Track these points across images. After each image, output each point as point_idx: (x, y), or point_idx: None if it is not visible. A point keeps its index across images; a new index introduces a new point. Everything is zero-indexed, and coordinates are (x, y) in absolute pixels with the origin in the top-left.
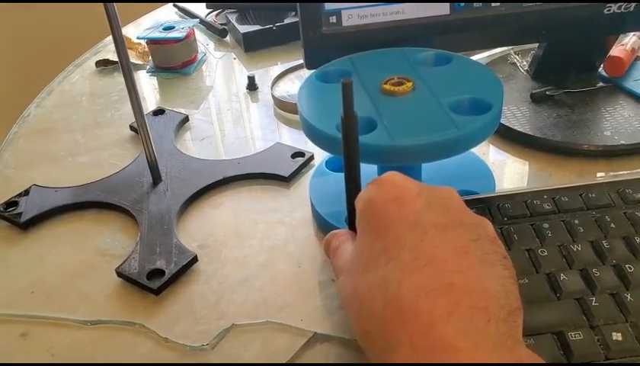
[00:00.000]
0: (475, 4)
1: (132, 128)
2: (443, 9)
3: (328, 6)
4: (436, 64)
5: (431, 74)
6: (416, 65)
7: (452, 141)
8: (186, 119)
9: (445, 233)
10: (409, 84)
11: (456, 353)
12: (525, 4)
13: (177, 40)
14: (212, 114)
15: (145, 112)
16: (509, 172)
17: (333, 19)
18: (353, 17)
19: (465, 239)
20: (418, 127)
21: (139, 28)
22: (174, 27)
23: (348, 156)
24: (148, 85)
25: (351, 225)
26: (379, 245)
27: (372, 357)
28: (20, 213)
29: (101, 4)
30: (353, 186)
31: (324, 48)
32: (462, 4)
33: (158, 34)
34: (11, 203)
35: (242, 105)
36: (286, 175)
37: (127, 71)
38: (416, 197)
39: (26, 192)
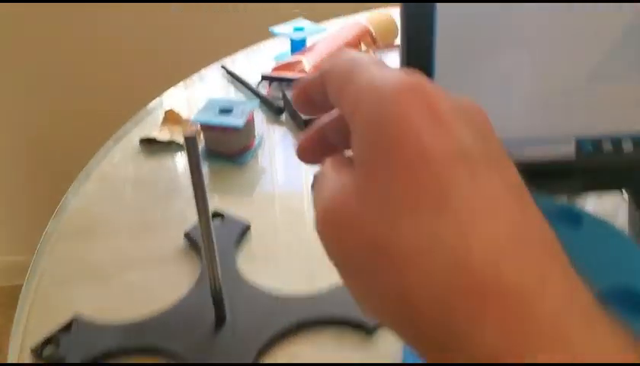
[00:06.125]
0: (605, 149)
1: (187, 237)
2: (568, 152)
3: None
4: (559, 218)
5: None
6: None
7: None
8: (247, 228)
9: (496, 168)
10: None
11: (567, 343)
12: None
13: (236, 128)
14: (277, 222)
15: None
16: None
17: None
18: None
19: (514, 172)
20: None
21: (188, 91)
22: (231, 110)
23: None
24: None
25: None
26: (411, 184)
27: (423, 350)
28: (63, 359)
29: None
30: None
31: None
32: (591, 147)
33: (214, 118)
34: (50, 340)
35: (310, 212)
36: (371, 326)
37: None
38: (450, 110)
39: (67, 327)
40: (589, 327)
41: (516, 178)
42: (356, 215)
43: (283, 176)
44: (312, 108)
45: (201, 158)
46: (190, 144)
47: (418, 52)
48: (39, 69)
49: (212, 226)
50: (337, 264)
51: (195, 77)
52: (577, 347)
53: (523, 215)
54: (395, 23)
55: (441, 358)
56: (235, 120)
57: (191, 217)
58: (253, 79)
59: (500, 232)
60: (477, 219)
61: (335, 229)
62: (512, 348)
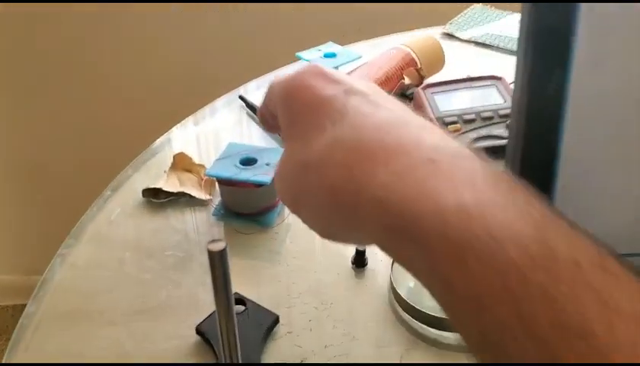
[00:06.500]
0: None
1: (199, 333)
2: None
3: None
4: None
5: None
6: None
7: None
8: (275, 321)
9: (385, 98)
10: None
11: (436, 164)
12: None
13: (261, 185)
14: (309, 305)
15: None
16: None
17: None
18: None
19: (403, 105)
20: None
21: (199, 127)
22: (255, 161)
23: None
24: (208, 236)
25: None
26: (315, 118)
27: (345, 209)
28: None
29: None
30: None
31: None
32: None
33: (235, 172)
34: None
35: (348, 295)
36: None
37: None
38: (340, 75)
39: None
40: (455, 157)
41: (400, 105)
42: (287, 162)
43: (313, 238)
44: (271, 127)
45: (218, 213)
46: (216, 260)
47: (541, 141)
48: (34, 98)
49: (238, 351)
50: (297, 212)
51: (207, 109)
52: (442, 165)
53: (403, 114)
54: (441, 49)
55: (354, 201)
56: (261, 175)
57: (204, 300)
58: None
59: (383, 122)
60: (365, 120)
61: (281, 183)
62: (397, 180)
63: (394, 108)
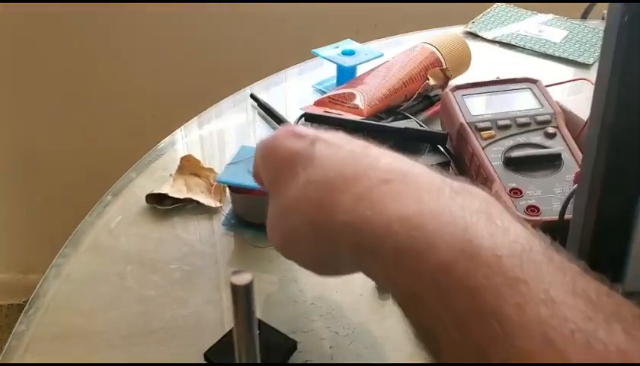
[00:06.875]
0: None
1: (208, 360)
2: None
3: None
4: None
5: None
6: None
7: None
8: (293, 347)
9: (347, 140)
10: None
11: (389, 184)
12: None
13: None
14: (331, 337)
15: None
16: None
17: None
18: None
19: (361, 142)
20: None
21: (206, 128)
22: None
23: None
24: (217, 248)
25: None
26: (289, 168)
27: (325, 238)
28: None
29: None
30: None
31: None
32: None
33: (248, 178)
34: None
35: (373, 319)
36: None
37: None
38: (306, 129)
39: None
40: (406, 175)
41: (361, 143)
42: (273, 212)
43: None
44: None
45: (228, 222)
46: (240, 295)
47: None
48: (34, 95)
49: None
50: (290, 256)
51: (213, 109)
52: (394, 184)
53: (363, 149)
54: (467, 48)
55: (332, 218)
56: None
57: (213, 320)
58: (288, 113)
59: (345, 157)
60: (329, 159)
61: (271, 232)
62: (358, 203)
63: (354, 147)
